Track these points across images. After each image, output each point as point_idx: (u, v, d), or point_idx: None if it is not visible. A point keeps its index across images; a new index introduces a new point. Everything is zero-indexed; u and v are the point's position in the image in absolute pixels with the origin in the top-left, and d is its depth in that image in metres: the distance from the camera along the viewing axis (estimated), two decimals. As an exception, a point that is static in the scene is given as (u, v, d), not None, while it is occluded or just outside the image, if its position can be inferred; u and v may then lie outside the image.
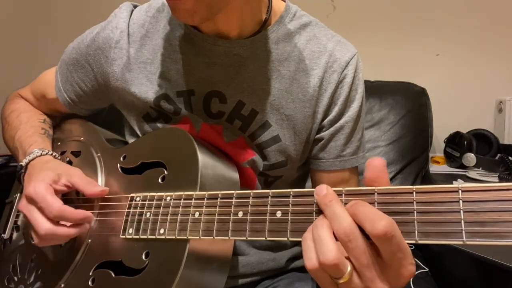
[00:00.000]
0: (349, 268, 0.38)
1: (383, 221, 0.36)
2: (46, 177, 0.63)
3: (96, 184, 0.67)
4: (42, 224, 0.59)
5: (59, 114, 0.87)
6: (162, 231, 0.55)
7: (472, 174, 1.34)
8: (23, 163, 0.70)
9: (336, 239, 0.38)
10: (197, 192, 0.55)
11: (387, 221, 0.36)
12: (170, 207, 0.56)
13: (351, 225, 0.38)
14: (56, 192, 0.62)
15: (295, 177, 0.79)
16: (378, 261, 0.38)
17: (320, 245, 0.38)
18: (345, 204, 0.40)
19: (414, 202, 0.38)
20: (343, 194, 0.42)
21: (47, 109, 0.85)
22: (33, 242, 0.62)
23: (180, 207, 0.55)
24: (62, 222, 0.61)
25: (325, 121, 0.70)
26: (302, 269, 0.83)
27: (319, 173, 0.74)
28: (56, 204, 0.59)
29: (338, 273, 0.38)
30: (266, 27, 0.68)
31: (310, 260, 0.39)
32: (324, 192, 0.41)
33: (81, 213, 0.61)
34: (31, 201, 0.60)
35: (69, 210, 0.60)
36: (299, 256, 0.84)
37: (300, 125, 0.69)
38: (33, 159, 0.70)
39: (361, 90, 0.72)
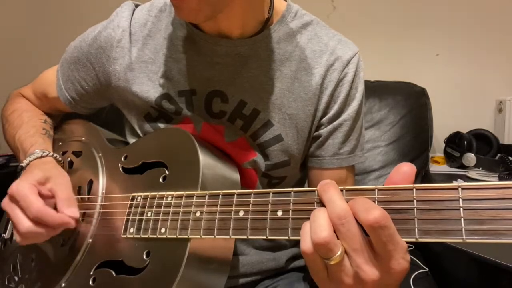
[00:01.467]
0: (340, 251, 0.38)
1: (376, 210, 0.36)
2: (33, 177, 0.63)
3: (72, 205, 0.64)
4: (23, 223, 0.59)
5: (60, 113, 0.87)
6: (163, 230, 0.55)
7: (472, 174, 1.34)
8: (23, 164, 0.70)
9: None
10: (198, 191, 0.55)
11: (380, 212, 0.36)
12: (171, 206, 0.56)
13: (345, 209, 0.39)
14: (41, 195, 0.61)
15: (298, 178, 0.79)
16: (370, 249, 0.38)
17: (314, 225, 0.39)
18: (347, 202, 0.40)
19: (414, 200, 0.38)
20: (344, 192, 0.42)
21: (48, 108, 0.85)
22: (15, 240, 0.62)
23: (181, 206, 0.55)
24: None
25: (324, 118, 0.70)
26: (302, 269, 0.83)
27: (316, 171, 0.74)
28: (35, 205, 0.58)
29: (329, 252, 0.38)
30: (268, 26, 0.68)
31: (306, 243, 0.40)
32: (326, 181, 0.42)
33: (60, 217, 0.60)
34: (13, 199, 0.60)
35: (49, 213, 0.59)
36: (299, 256, 0.84)
37: (302, 124, 0.69)
38: (34, 159, 0.70)
39: (361, 89, 0.72)
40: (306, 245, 0.40)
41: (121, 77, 0.70)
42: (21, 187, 0.60)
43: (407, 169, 0.40)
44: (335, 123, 0.70)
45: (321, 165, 0.73)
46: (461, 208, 0.36)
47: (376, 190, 0.40)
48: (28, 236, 0.60)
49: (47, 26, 1.80)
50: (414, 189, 0.38)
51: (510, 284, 0.84)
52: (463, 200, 0.36)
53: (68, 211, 0.62)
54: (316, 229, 0.39)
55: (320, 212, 0.40)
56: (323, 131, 0.71)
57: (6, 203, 0.61)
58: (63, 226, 0.61)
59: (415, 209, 0.38)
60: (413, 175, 0.40)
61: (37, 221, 0.59)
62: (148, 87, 0.69)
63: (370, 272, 0.38)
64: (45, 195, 0.63)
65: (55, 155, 0.73)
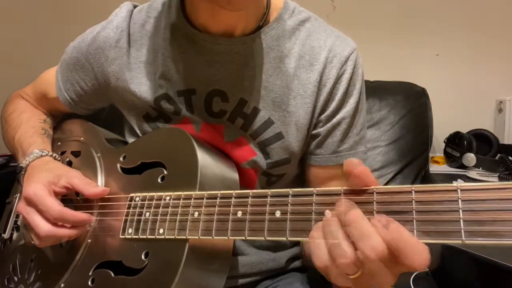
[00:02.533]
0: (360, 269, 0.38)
1: (424, 254, 0.34)
2: (45, 178, 0.63)
3: (96, 184, 0.67)
4: (42, 226, 0.60)
5: (60, 114, 0.87)
6: (161, 231, 0.55)
7: (472, 174, 1.33)
8: (23, 164, 0.70)
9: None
10: (196, 192, 0.55)
11: (425, 254, 0.35)
12: (170, 207, 0.56)
13: (384, 248, 0.36)
14: (55, 193, 0.62)
15: (296, 173, 0.79)
16: (394, 265, 0.37)
17: (336, 248, 0.38)
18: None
19: (413, 202, 0.38)
20: (342, 194, 0.42)
21: (48, 109, 0.85)
22: (32, 242, 0.62)
23: (180, 207, 0.55)
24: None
25: (322, 116, 0.70)
26: (302, 269, 0.83)
27: (315, 169, 0.74)
28: (56, 207, 0.60)
29: (351, 271, 0.38)
30: (266, 24, 0.68)
31: (321, 259, 0.39)
32: (344, 207, 0.40)
33: (81, 215, 0.62)
34: (30, 203, 0.61)
35: (69, 213, 0.60)
36: (299, 256, 0.84)
37: (302, 121, 0.69)
38: (33, 160, 0.70)
39: (359, 85, 0.71)
40: (322, 262, 0.39)
41: (119, 77, 0.70)
42: (37, 190, 0.60)
43: (359, 172, 0.40)
44: (334, 121, 0.70)
45: (320, 163, 0.72)
46: (460, 210, 0.35)
47: (375, 191, 0.40)
48: (47, 238, 0.60)
49: (47, 26, 1.80)
50: (413, 191, 0.38)
51: (511, 285, 0.84)
52: (462, 201, 0.36)
53: (98, 189, 0.65)
54: (338, 252, 0.37)
55: (339, 233, 0.38)
56: (322, 129, 0.70)
57: (22, 207, 0.62)
58: (84, 223, 0.63)
59: (414, 210, 0.37)
60: (367, 172, 0.40)
61: (58, 222, 0.60)
62: (147, 87, 0.69)
63: (390, 278, 0.38)
64: (60, 192, 0.64)
65: (54, 154, 0.73)
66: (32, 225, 0.60)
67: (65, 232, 0.61)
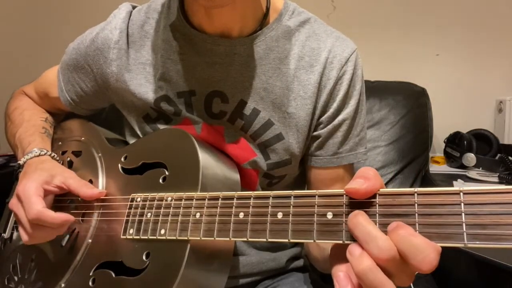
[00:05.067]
0: None
1: (429, 257, 0.34)
2: (39, 177, 0.63)
3: (92, 186, 0.67)
4: (28, 224, 0.60)
5: (62, 113, 0.88)
6: (162, 231, 0.55)
7: (472, 174, 1.33)
8: (21, 162, 0.71)
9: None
10: (198, 193, 0.55)
11: (435, 254, 0.35)
12: (171, 207, 0.56)
13: (391, 248, 0.36)
14: (47, 192, 0.63)
15: (297, 174, 0.79)
16: (405, 266, 0.37)
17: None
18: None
19: (416, 204, 0.38)
20: (344, 196, 0.42)
21: (49, 107, 0.86)
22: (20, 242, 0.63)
23: (181, 207, 0.55)
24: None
25: (323, 117, 0.70)
26: (302, 269, 0.84)
27: (315, 170, 0.74)
28: (35, 207, 0.59)
29: None
30: (266, 24, 0.68)
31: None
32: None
33: (59, 217, 0.60)
34: (19, 199, 0.61)
35: (47, 214, 0.59)
36: (299, 256, 0.84)
37: (302, 122, 0.69)
38: (31, 158, 0.70)
39: (359, 86, 0.71)
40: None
41: (119, 78, 0.70)
42: (27, 188, 0.61)
43: (370, 173, 0.40)
44: (335, 122, 0.70)
45: (320, 164, 0.73)
46: (463, 213, 0.35)
47: (377, 194, 0.40)
48: (34, 236, 0.60)
49: (47, 26, 1.80)
50: (416, 193, 0.38)
51: (511, 285, 0.84)
52: (464, 204, 0.36)
53: (94, 191, 0.65)
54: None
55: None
56: (323, 131, 0.70)
57: (13, 203, 0.62)
58: (64, 224, 0.62)
59: (417, 213, 0.37)
60: (377, 175, 0.40)
61: (36, 223, 0.60)
62: (147, 88, 0.69)
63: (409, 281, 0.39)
64: (52, 191, 0.64)
65: (52, 154, 0.73)
66: (19, 222, 0.61)
67: (47, 232, 0.61)
